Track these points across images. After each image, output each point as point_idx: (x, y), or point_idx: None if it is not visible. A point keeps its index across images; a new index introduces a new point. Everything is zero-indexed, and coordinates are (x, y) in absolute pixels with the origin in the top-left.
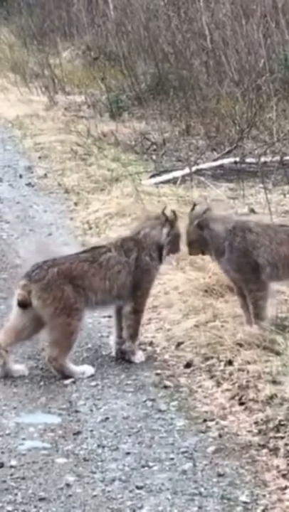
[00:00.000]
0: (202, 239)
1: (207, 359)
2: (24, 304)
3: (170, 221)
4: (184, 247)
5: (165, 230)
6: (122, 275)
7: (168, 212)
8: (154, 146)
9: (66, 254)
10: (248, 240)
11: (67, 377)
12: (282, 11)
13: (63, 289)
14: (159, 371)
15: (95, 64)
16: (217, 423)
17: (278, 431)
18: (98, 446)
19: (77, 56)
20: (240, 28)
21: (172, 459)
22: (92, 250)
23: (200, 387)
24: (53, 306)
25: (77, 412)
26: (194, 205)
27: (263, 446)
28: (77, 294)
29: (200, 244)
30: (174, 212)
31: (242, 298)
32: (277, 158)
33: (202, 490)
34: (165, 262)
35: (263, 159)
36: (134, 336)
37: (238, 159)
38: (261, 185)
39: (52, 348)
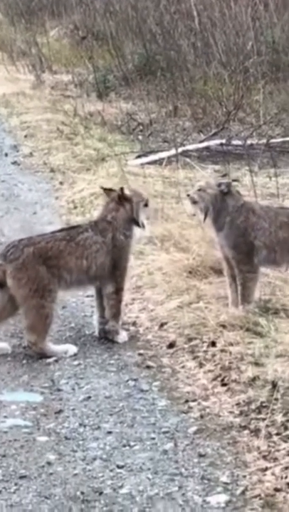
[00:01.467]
0: (216, 204)
1: (190, 340)
2: (0, 284)
3: (125, 197)
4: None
5: (127, 206)
6: (100, 255)
7: (120, 191)
8: (141, 127)
9: (43, 232)
10: (250, 221)
11: (49, 356)
12: None
13: (38, 269)
14: (141, 351)
15: (83, 43)
16: (199, 404)
17: (260, 412)
18: (80, 425)
19: (64, 35)
20: (228, 10)
21: (153, 438)
22: (69, 229)
23: (182, 367)
24: (27, 286)
25: (59, 390)
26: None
27: (245, 428)
28: (51, 275)
29: (210, 207)
30: (121, 188)
31: (231, 278)
32: (264, 140)
33: (183, 470)
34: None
35: (249, 142)
36: (116, 315)
37: (224, 141)
38: (247, 168)
39: (29, 333)
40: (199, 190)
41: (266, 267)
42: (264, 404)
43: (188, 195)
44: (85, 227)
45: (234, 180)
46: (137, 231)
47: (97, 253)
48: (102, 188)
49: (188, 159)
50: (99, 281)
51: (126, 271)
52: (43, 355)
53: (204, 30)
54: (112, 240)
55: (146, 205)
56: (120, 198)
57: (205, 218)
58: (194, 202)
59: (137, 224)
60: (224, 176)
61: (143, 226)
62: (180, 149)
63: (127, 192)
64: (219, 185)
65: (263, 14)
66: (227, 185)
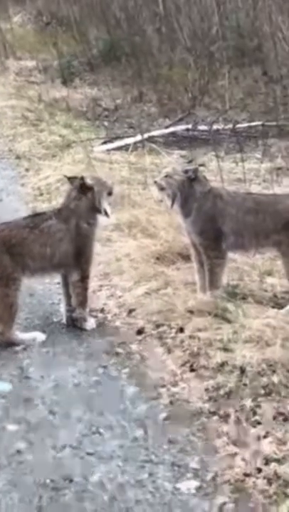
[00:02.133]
0: (183, 190)
1: (158, 326)
2: None
3: (86, 185)
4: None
5: (89, 195)
6: (64, 243)
7: (81, 180)
8: (106, 113)
9: (6, 220)
10: (218, 206)
11: (18, 344)
12: None
13: (1, 258)
14: (110, 338)
15: (47, 29)
16: (168, 390)
17: (229, 398)
18: (49, 412)
19: (28, 21)
20: None
21: (123, 426)
22: (33, 217)
23: (151, 354)
24: None
25: (28, 378)
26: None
27: (214, 413)
28: (15, 263)
29: (178, 193)
30: (82, 177)
31: (199, 264)
32: (230, 126)
33: (153, 457)
34: (105, 216)
35: (215, 127)
36: (83, 302)
37: (190, 126)
38: (213, 153)
39: None
40: (166, 176)
41: (234, 252)
42: (233, 390)
43: (155, 182)
44: (49, 215)
45: (200, 165)
46: (101, 219)
47: (60, 241)
48: (65, 176)
49: (154, 145)
50: (63, 268)
51: (91, 258)
52: (10, 344)
53: (169, 16)
54: (76, 227)
55: (110, 193)
56: (82, 187)
57: (172, 204)
58: (161, 188)
59: (100, 212)
60: (190, 161)
61: (106, 214)
62: (146, 135)
63: (88, 181)
64: (186, 171)
65: None
66: (194, 171)
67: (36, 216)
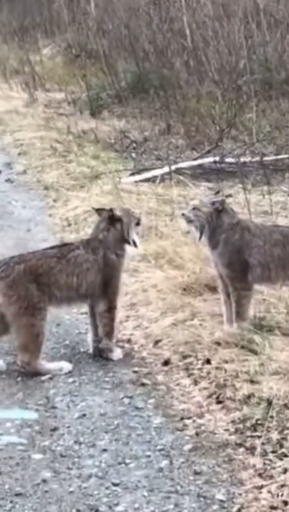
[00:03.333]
0: (211, 222)
1: (185, 357)
2: None
3: (115, 217)
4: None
5: (118, 226)
6: (91, 273)
7: (110, 211)
8: (134, 145)
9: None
10: (245, 238)
11: (44, 374)
12: (264, 12)
13: (28, 287)
14: (136, 369)
15: (76, 61)
16: (194, 421)
17: (255, 430)
18: (75, 442)
19: (57, 53)
20: (221, 29)
21: (149, 456)
22: (60, 247)
23: (177, 385)
24: (18, 304)
25: (54, 408)
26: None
27: (240, 445)
28: (41, 293)
29: (206, 225)
30: (111, 209)
31: (226, 295)
32: (257, 158)
33: (178, 488)
34: (133, 247)
35: (242, 159)
36: (110, 333)
37: (217, 159)
38: (240, 185)
39: (22, 353)
40: (194, 209)
41: (260, 284)
42: (259, 422)
43: (183, 215)
44: (77, 245)
45: (227, 196)
46: (129, 249)
47: (87, 271)
48: (93, 208)
49: (181, 177)
50: (90, 299)
51: (118, 289)
52: (37, 374)
53: (197, 49)
54: (104, 258)
55: (138, 223)
56: (111, 218)
57: (200, 237)
58: (189, 221)
59: (129, 243)
60: (217, 193)
61: (135, 245)
62: (173, 167)
63: (117, 212)
64: (213, 203)
65: (255, 33)
66: (221, 203)
67: (64, 246)
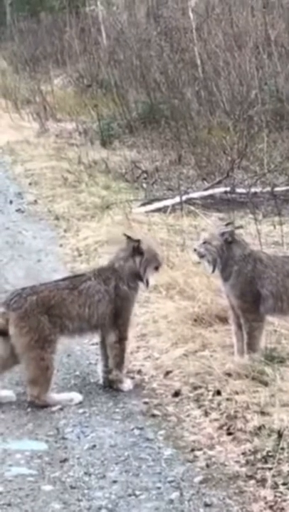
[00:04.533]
0: (222, 254)
1: (195, 388)
2: (2, 332)
3: (139, 250)
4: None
5: (137, 260)
6: (102, 304)
7: (137, 242)
8: (145, 175)
9: (46, 281)
10: (257, 270)
11: (54, 405)
12: (275, 43)
13: (39, 319)
14: (147, 400)
15: (87, 91)
16: (204, 453)
17: (266, 462)
18: (85, 473)
19: (68, 83)
20: (232, 59)
21: (159, 488)
22: (72, 278)
23: (188, 416)
24: (29, 336)
25: (64, 439)
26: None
27: (251, 477)
28: (53, 325)
29: (218, 258)
30: (138, 240)
31: (237, 326)
32: (268, 189)
33: None
34: (145, 286)
35: (253, 190)
36: (120, 364)
37: (228, 189)
38: (251, 216)
39: (31, 386)
40: (204, 242)
41: (272, 315)
42: (270, 454)
43: (194, 250)
44: (88, 276)
45: (237, 228)
46: (141, 284)
47: (99, 302)
48: (124, 234)
49: (192, 207)
50: (101, 329)
51: (129, 321)
52: (47, 407)
53: (208, 79)
54: (115, 289)
55: (157, 268)
56: (134, 250)
57: (214, 270)
58: (201, 256)
59: (142, 280)
60: (229, 224)
61: (147, 284)
62: (184, 197)
63: (142, 246)
64: (223, 234)
65: (266, 63)
66: (230, 234)
67: (75, 277)
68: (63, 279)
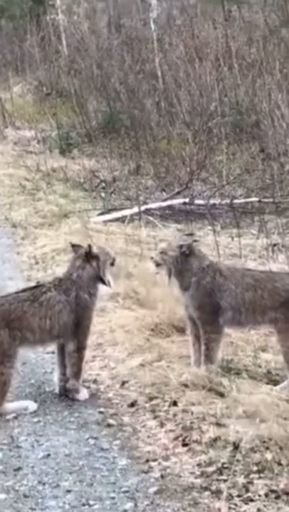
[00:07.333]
0: (177, 265)
1: (151, 399)
2: None
3: (92, 254)
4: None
5: (94, 264)
6: (63, 314)
7: (88, 248)
8: (104, 184)
9: (4, 293)
10: (217, 281)
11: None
12: (236, 55)
13: None
14: (102, 409)
15: (46, 100)
16: (159, 464)
17: (221, 473)
18: (39, 482)
19: (28, 91)
20: (192, 71)
21: (113, 498)
22: (32, 289)
23: (143, 426)
24: None
25: (18, 447)
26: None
27: (206, 489)
28: (12, 339)
29: (173, 269)
30: (89, 245)
31: (194, 337)
32: (227, 201)
33: None
34: (108, 286)
35: (212, 201)
36: (78, 373)
37: (187, 200)
38: (210, 228)
39: None
40: (161, 252)
41: (230, 327)
42: (225, 466)
43: (151, 258)
44: (48, 287)
45: (194, 241)
46: (102, 288)
47: (60, 313)
48: (70, 243)
49: (151, 217)
50: (62, 339)
51: (88, 329)
52: (1, 415)
53: (168, 90)
54: (76, 298)
55: (112, 263)
56: (87, 256)
57: (169, 280)
58: (158, 264)
59: (103, 282)
60: (190, 234)
61: (109, 284)
62: (143, 207)
63: (94, 250)
64: (181, 246)
65: (227, 75)
66: (188, 247)
67: (35, 288)
68: (23, 290)
